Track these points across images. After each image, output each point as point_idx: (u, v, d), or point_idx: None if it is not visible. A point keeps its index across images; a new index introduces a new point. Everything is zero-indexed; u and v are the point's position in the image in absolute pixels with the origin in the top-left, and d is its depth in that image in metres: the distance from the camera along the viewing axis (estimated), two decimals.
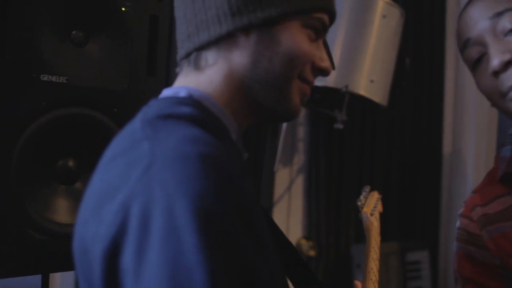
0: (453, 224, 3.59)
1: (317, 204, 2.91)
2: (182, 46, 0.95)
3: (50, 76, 1.36)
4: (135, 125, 0.81)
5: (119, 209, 0.70)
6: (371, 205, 1.49)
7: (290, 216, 2.93)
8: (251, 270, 0.69)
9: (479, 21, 1.11)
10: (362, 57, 2.35)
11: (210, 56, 0.91)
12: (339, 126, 2.43)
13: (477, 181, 3.60)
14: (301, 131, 2.94)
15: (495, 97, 1.12)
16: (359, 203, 1.46)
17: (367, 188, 1.58)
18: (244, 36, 0.89)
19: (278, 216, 2.86)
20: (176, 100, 0.87)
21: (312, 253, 2.87)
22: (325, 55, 0.96)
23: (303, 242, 2.89)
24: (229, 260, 0.67)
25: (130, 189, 0.70)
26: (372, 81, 2.37)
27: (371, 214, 1.44)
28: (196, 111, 0.83)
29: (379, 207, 1.57)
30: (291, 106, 0.93)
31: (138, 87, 1.51)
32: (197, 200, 0.67)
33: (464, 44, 1.16)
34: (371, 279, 1.22)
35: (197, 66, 0.92)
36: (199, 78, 0.92)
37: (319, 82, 2.30)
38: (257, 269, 0.70)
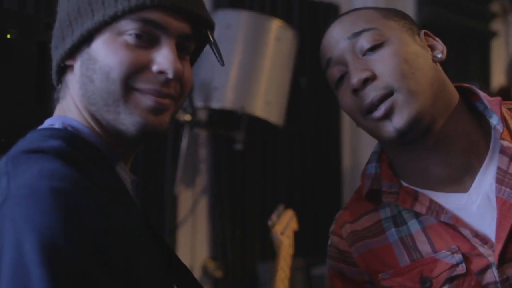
0: None
1: (222, 224, 2.93)
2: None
3: None
4: (1, 160, 0.82)
5: None
6: (283, 224, 1.52)
7: (195, 237, 2.92)
8: None
9: (339, 41, 1.15)
10: (257, 78, 2.41)
11: (63, 86, 0.96)
12: (239, 147, 2.48)
13: None
14: (203, 152, 2.96)
15: (357, 116, 1.14)
16: (270, 223, 1.48)
17: (281, 207, 1.60)
18: (72, 62, 0.93)
19: (183, 238, 2.85)
20: (48, 133, 0.88)
21: (218, 273, 2.87)
22: (161, 56, 0.90)
23: (209, 263, 2.89)
24: None
25: None
26: (268, 102, 2.43)
27: (282, 233, 1.47)
28: (64, 144, 0.83)
29: (293, 225, 1.60)
30: (137, 121, 0.89)
31: (26, 116, 1.47)
32: (44, 235, 0.69)
33: (326, 64, 1.19)
34: None
35: (59, 95, 0.97)
36: (67, 107, 0.95)
37: (216, 103, 2.34)
38: None
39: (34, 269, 0.67)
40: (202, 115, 2.75)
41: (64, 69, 0.96)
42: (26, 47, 1.47)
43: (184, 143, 2.41)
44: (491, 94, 1.19)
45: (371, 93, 1.08)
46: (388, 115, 1.07)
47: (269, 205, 3.09)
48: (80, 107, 0.93)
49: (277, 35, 2.49)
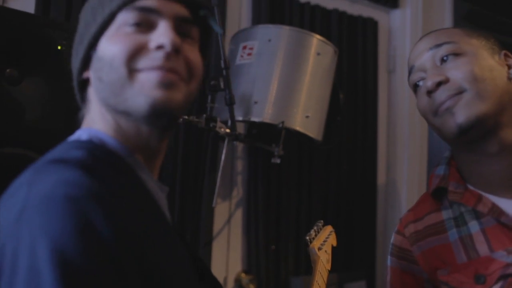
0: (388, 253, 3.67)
1: (256, 238, 2.92)
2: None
3: None
4: (27, 169, 0.86)
5: None
6: (321, 239, 1.52)
7: (229, 250, 2.92)
8: None
9: (422, 52, 1.29)
10: (297, 93, 2.41)
11: (86, 101, 1.02)
12: (276, 160, 2.48)
13: None
14: (240, 165, 2.97)
15: (429, 116, 1.27)
16: (307, 237, 1.48)
17: (320, 223, 1.61)
18: (88, 73, 0.98)
19: (218, 251, 2.85)
20: (74, 145, 0.92)
21: (251, 287, 2.87)
22: (157, 34, 0.92)
23: (243, 276, 2.89)
24: None
25: (6, 233, 0.76)
26: (307, 116, 2.43)
27: (319, 249, 1.47)
28: (86, 154, 0.86)
29: (332, 241, 1.60)
30: (144, 100, 0.90)
31: (75, 126, 1.50)
32: (57, 242, 0.72)
33: (410, 70, 1.33)
34: None
35: (84, 112, 1.03)
36: (91, 120, 1.00)
37: (256, 117, 2.34)
38: None
39: (46, 273, 0.70)
40: (241, 129, 2.76)
41: (84, 85, 1.01)
42: None
43: (222, 155, 2.42)
44: None
45: (443, 93, 1.21)
46: (451, 108, 1.19)
47: (304, 219, 3.09)
48: (103, 115, 0.96)
49: (318, 50, 2.49)
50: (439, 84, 1.22)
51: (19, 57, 1.40)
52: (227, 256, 2.91)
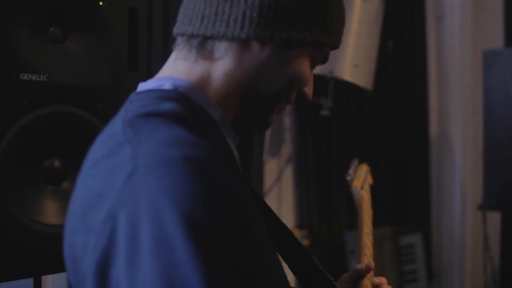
0: (443, 206, 3.61)
1: (308, 193, 2.90)
2: (190, 23, 0.89)
3: (30, 75, 1.33)
4: (117, 126, 0.79)
5: (106, 218, 0.68)
6: (360, 179, 1.48)
7: (281, 206, 2.92)
8: (247, 271, 0.68)
9: None
10: (345, 42, 2.34)
11: (218, 49, 0.88)
12: (325, 113, 2.43)
13: (465, 163, 3.62)
14: (288, 121, 2.93)
15: None
16: (348, 178, 1.45)
17: (356, 162, 1.57)
18: (259, 45, 0.88)
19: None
20: (159, 95, 0.84)
21: (305, 242, 2.87)
22: (311, 84, 0.95)
23: (296, 231, 2.88)
24: (223, 264, 0.66)
25: (115, 198, 0.69)
26: (356, 65, 2.36)
27: (361, 188, 1.43)
28: (180, 107, 0.81)
29: (369, 180, 1.56)
30: (268, 122, 0.95)
31: (120, 82, 1.48)
32: (185, 206, 0.66)
33: None
34: (365, 254, 1.21)
35: (199, 54, 0.89)
36: (195, 67, 0.89)
37: None
38: (253, 269, 0.69)
39: (179, 243, 0.64)
40: None
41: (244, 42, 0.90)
42: (117, 14, 1.48)
43: None
44: None
45: None
46: None
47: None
48: (230, 77, 0.89)
49: None
50: None
51: (62, 16, 1.39)
52: (279, 212, 2.91)
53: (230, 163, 0.82)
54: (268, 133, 2.41)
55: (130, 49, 1.51)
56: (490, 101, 2.95)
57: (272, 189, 2.89)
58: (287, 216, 2.94)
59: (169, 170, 0.68)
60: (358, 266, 1.15)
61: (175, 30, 0.92)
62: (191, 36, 0.89)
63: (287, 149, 2.94)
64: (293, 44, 0.88)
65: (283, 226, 1.05)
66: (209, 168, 0.71)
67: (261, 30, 0.86)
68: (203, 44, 0.88)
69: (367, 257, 1.21)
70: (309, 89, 0.95)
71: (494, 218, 3.31)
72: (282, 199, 2.93)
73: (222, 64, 0.88)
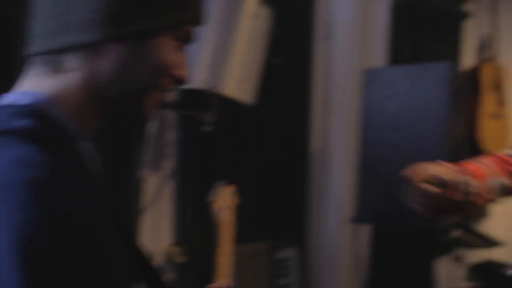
0: (320, 220, 3.67)
1: (186, 209, 2.87)
2: (42, 41, 0.88)
3: None
4: None
5: None
6: (224, 200, 1.56)
7: (160, 222, 2.85)
8: None
9: None
10: (230, 57, 2.33)
11: (72, 60, 0.87)
12: (207, 128, 2.41)
13: (345, 179, 3.65)
14: (170, 135, 2.86)
15: None
16: (210, 199, 1.52)
17: (220, 184, 1.66)
18: (114, 45, 0.87)
19: (147, 223, 2.77)
20: (14, 111, 0.81)
21: (182, 259, 2.81)
22: (184, 64, 0.95)
23: (173, 248, 2.83)
24: None
25: None
26: (240, 81, 2.36)
27: (224, 209, 1.51)
28: (35, 123, 0.78)
29: (234, 200, 1.63)
30: (145, 115, 0.94)
31: None
32: (20, 232, 0.65)
33: None
34: (222, 274, 1.30)
35: (55, 69, 0.87)
36: (50, 82, 0.87)
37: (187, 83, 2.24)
38: None
39: (13, 274, 0.63)
40: (171, 96, 2.65)
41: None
42: None
43: (152, 125, 2.32)
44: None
45: None
46: None
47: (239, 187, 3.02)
48: (88, 85, 0.88)
49: (253, 13, 2.40)
50: None
51: None
52: (157, 229, 2.84)
53: (83, 181, 0.80)
54: (149, 148, 2.34)
55: None
56: (367, 119, 3.02)
57: (152, 205, 2.80)
58: (166, 232, 2.87)
59: (8, 195, 0.67)
60: (211, 286, 1.23)
61: (29, 52, 0.91)
62: (45, 53, 0.88)
63: (168, 163, 2.87)
64: (149, 33, 0.88)
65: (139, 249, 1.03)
66: (52, 191, 0.70)
67: (111, 30, 0.86)
68: (56, 58, 0.87)
69: (224, 277, 1.29)
70: (182, 71, 0.94)
71: (366, 231, 3.41)
72: (162, 215, 2.85)
73: (76, 75, 0.87)
